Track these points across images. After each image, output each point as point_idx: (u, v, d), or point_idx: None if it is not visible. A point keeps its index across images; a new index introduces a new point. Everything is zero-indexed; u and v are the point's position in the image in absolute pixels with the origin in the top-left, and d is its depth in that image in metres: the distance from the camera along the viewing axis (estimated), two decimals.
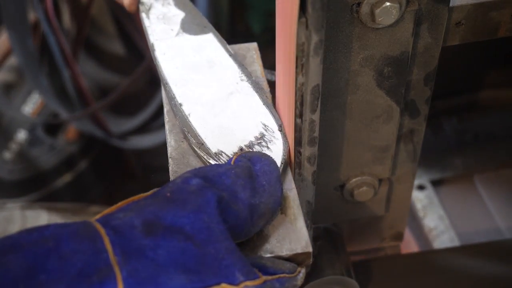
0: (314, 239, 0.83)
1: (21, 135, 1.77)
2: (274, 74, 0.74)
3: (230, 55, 0.76)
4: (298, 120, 0.64)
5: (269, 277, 0.57)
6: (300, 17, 0.55)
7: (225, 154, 0.66)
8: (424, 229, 1.10)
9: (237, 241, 0.57)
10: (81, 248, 0.51)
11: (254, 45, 0.81)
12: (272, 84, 0.75)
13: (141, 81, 1.68)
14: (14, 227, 1.35)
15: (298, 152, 0.67)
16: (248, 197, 0.58)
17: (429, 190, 1.15)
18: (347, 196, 0.81)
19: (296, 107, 0.62)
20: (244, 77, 0.73)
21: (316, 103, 0.62)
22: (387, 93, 0.71)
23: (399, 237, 0.93)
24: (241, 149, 0.66)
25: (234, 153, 0.66)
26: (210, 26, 0.80)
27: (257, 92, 0.72)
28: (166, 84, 0.73)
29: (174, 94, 0.72)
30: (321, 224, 0.86)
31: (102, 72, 1.92)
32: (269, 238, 0.60)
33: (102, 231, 0.52)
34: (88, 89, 1.68)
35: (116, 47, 1.90)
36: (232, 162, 0.62)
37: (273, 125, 0.68)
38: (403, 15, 0.64)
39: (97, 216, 0.55)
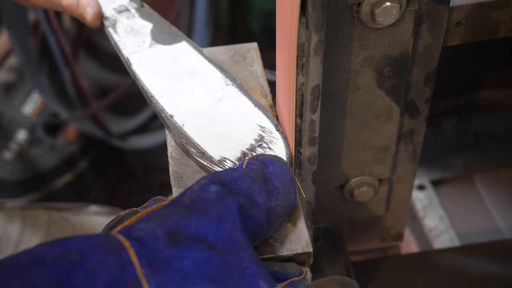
0: (314, 239, 0.83)
1: (21, 135, 1.77)
2: (274, 74, 0.74)
3: (209, 61, 0.75)
4: (298, 120, 0.64)
5: (284, 283, 0.57)
6: (300, 17, 0.55)
7: (228, 160, 0.65)
8: (424, 229, 1.10)
9: (253, 245, 0.57)
10: (107, 261, 0.50)
11: (254, 45, 0.80)
12: (272, 84, 0.74)
13: None
14: (13, 227, 1.35)
15: (298, 152, 0.67)
16: (264, 201, 0.57)
17: (429, 190, 1.15)
18: (347, 196, 0.81)
19: (296, 107, 0.62)
20: (229, 81, 0.73)
21: (316, 103, 0.62)
22: (387, 93, 0.71)
23: (399, 237, 0.93)
24: (243, 153, 0.66)
25: (237, 158, 0.65)
26: (181, 34, 0.79)
27: (245, 94, 0.71)
28: (151, 97, 0.72)
29: (162, 107, 0.71)
30: (321, 224, 0.86)
31: (102, 72, 1.92)
32: (269, 239, 0.60)
33: (126, 243, 0.52)
34: (88, 89, 1.68)
35: None
36: (244, 166, 0.62)
37: (269, 125, 0.68)
38: (403, 15, 0.64)
39: (118, 228, 0.54)
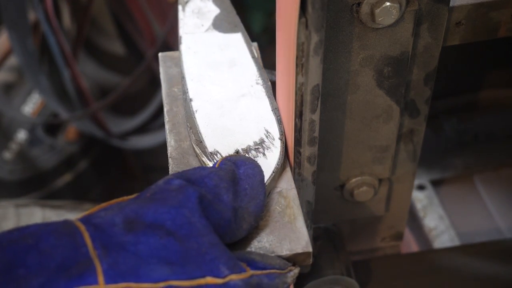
0: (314, 239, 0.83)
1: (21, 135, 1.77)
2: (274, 74, 0.74)
3: (253, 57, 0.76)
4: (298, 120, 0.64)
5: (258, 272, 0.56)
6: (300, 17, 0.55)
7: (220, 154, 0.66)
8: (424, 229, 1.10)
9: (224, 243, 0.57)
10: (61, 244, 0.51)
11: (254, 45, 0.81)
12: (272, 84, 0.75)
13: (141, 81, 1.69)
14: (8, 224, 1.35)
15: (298, 152, 0.66)
16: (230, 200, 0.58)
17: (429, 190, 1.15)
18: (347, 196, 0.81)
19: (296, 107, 0.62)
20: (260, 81, 0.73)
21: (316, 103, 0.62)
22: (387, 93, 0.71)
23: (399, 237, 0.93)
24: (237, 151, 0.66)
25: (228, 155, 0.66)
26: (241, 25, 0.80)
27: (268, 97, 0.72)
28: (183, 77, 0.74)
29: (187, 89, 0.72)
30: (321, 224, 0.86)
31: (102, 72, 1.92)
32: (269, 238, 0.60)
33: (82, 227, 0.53)
34: (88, 89, 1.68)
35: (116, 47, 1.90)
36: (217, 165, 0.62)
37: (275, 132, 0.68)
38: (403, 15, 0.64)
39: (79, 216, 0.55)
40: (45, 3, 1.55)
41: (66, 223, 0.53)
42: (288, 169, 0.67)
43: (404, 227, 0.92)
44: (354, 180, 0.79)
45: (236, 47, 0.77)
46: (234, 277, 0.54)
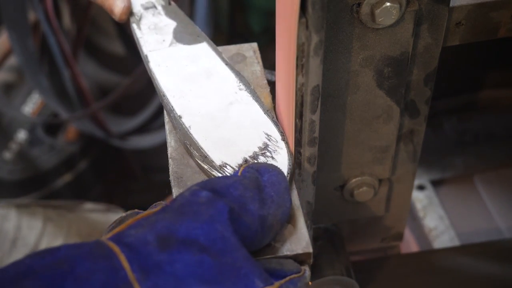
0: (314, 239, 0.83)
1: (21, 135, 1.77)
2: (274, 74, 0.74)
3: (227, 64, 0.75)
4: (298, 121, 0.64)
5: (282, 281, 0.56)
6: (300, 17, 0.55)
7: (229, 166, 0.65)
8: (424, 229, 1.10)
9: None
10: (98, 268, 0.50)
11: (254, 45, 0.80)
12: (272, 84, 0.74)
13: (141, 81, 1.68)
14: (9, 225, 1.35)
15: (298, 153, 0.66)
16: (257, 209, 0.57)
17: (429, 190, 1.15)
18: (347, 196, 0.81)
19: (296, 108, 0.62)
20: (242, 86, 0.72)
21: (316, 103, 0.62)
22: (387, 93, 0.71)
23: (399, 237, 0.93)
24: (245, 160, 0.65)
25: (239, 164, 0.65)
26: (203, 35, 0.79)
27: (256, 101, 0.71)
28: (163, 96, 0.72)
29: (172, 106, 0.70)
30: (321, 224, 0.86)
31: (102, 72, 1.92)
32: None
33: (116, 249, 0.51)
34: (88, 89, 1.68)
35: (116, 47, 1.90)
36: (239, 173, 0.61)
37: (276, 134, 0.67)
38: (403, 15, 0.64)
39: (108, 235, 0.54)
40: (45, 3, 1.55)
41: (99, 245, 0.52)
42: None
43: (404, 227, 0.92)
44: (354, 180, 0.79)
45: (207, 56, 0.76)
46: None
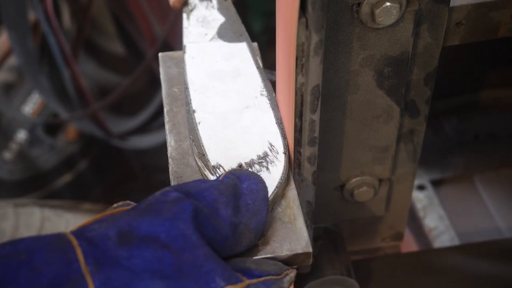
0: (314, 239, 0.83)
1: (21, 135, 1.77)
2: (274, 74, 0.74)
3: (258, 67, 0.75)
4: (298, 120, 0.64)
5: (254, 280, 0.56)
6: (300, 17, 0.55)
7: (222, 168, 0.64)
8: (424, 229, 1.10)
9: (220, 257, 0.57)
10: (53, 260, 0.51)
11: (254, 45, 0.80)
12: (272, 84, 0.74)
13: (141, 81, 1.69)
14: (7, 224, 1.35)
15: (298, 152, 0.66)
16: (229, 215, 0.57)
17: (429, 190, 1.15)
18: (347, 196, 0.81)
19: (296, 107, 0.62)
20: (264, 92, 0.72)
21: (316, 103, 0.62)
22: (387, 93, 0.71)
23: (399, 237, 0.93)
24: (240, 165, 0.65)
25: (231, 168, 0.64)
26: (246, 35, 0.79)
27: (273, 109, 0.70)
28: (186, 88, 0.72)
29: (190, 100, 0.71)
30: (321, 224, 0.86)
31: (102, 72, 1.92)
32: (269, 239, 0.60)
33: (74, 242, 0.52)
34: (88, 89, 1.68)
35: (116, 47, 1.90)
36: (220, 179, 0.61)
37: (279, 146, 0.67)
38: (403, 15, 0.64)
39: (73, 228, 0.55)
40: (45, 3, 1.55)
41: (59, 237, 0.53)
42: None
43: (404, 227, 0.92)
44: (354, 180, 0.79)
45: (241, 57, 0.76)
46: None
